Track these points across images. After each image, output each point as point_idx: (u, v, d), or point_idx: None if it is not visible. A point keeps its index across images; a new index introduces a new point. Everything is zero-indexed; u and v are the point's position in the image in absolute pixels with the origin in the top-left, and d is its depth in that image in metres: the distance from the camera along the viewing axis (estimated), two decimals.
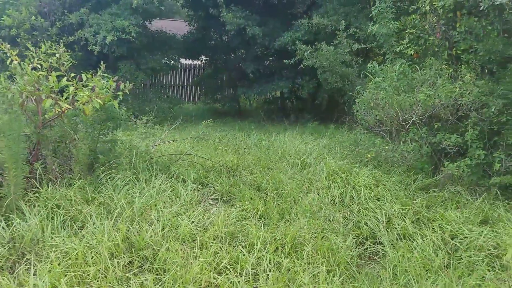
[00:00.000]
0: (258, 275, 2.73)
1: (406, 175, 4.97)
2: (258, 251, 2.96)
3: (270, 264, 2.82)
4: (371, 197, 4.30)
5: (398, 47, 5.98)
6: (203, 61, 13.46)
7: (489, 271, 2.91)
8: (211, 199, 4.45)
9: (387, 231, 3.63)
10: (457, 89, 4.55)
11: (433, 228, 3.54)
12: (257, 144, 7.53)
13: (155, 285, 2.39)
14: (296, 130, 8.96)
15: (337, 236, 3.48)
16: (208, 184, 4.78)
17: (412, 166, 5.25)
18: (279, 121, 10.81)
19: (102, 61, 4.34)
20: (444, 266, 3.05)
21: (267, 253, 2.90)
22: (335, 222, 3.79)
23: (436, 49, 6.14)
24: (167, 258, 2.64)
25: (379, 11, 6.10)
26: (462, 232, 3.42)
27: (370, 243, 3.50)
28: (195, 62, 14.71)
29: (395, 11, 6.26)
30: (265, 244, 3.07)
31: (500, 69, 4.90)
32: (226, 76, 12.29)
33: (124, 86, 3.86)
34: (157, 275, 2.57)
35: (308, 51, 7.79)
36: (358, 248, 3.43)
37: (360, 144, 5.83)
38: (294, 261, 2.94)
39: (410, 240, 3.41)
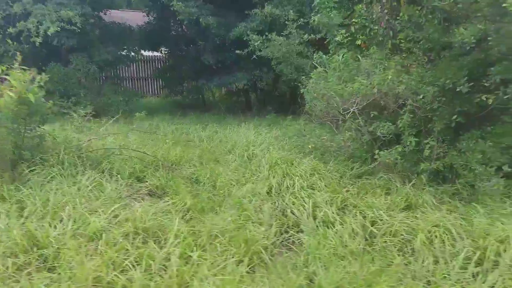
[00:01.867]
0: (166, 270, 2.68)
1: (344, 164, 5.01)
2: (171, 246, 2.91)
3: (180, 259, 2.78)
4: (305, 186, 4.31)
5: (338, 37, 5.99)
6: (164, 53, 13.23)
7: (399, 256, 2.95)
8: (145, 194, 4.37)
9: (313, 219, 3.64)
10: (389, 77, 4.58)
11: (355, 214, 3.57)
12: (211, 136, 7.47)
13: (45, 285, 2.31)
14: (254, 122, 8.93)
15: (261, 226, 3.47)
16: (143, 179, 4.69)
17: (352, 155, 5.29)
18: (240, 113, 10.75)
19: (50, 54, 4.22)
20: (359, 252, 3.08)
21: (177, 247, 2.86)
22: (263, 212, 3.77)
23: (380, 39, 6.19)
24: (66, 256, 2.56)
25: (321, 0, 6.09)
26: (382, 218, 3.47)
27: (294, 231, 3.50)
28: (158, 54, 14.47)
29: (337, 0, 6.26)
30: (181, 238, 3.02)
31: (437, 57, 4.98)
32: (187, 68, 12.11)
33: (41, 78, 3.72)
34: (54, 274, 2.49)
35: (259, 41, 7.72)
36: (281, 237, 3.43)
37: (304, 134, 5.84)
38: (207, 254, 2.91)
39: (331, 227, 3.43)
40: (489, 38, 4.04)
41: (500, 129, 4.10)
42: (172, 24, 11.83)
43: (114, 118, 5.88)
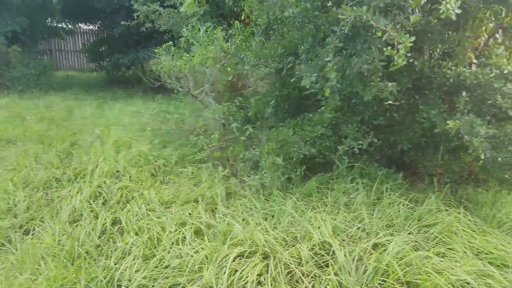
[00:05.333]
0: None
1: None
2: None
3: None
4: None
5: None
6: (93, 26, 12.51)
7: None
8: None
9: None
10: (209, 55, 4.10)
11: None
12: (94, 114, 6.95)
13: None
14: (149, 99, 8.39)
15: None
16: None
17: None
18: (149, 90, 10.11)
19: None
20: None
21: None
22: None
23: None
24: None
25: None
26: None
27: None
28: (90, 27, 13.73)
29: None
30: None
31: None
32: (110, 42, 11.45)
33: None
34: None
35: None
36: None
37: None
38: None
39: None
40: None
41: (319, 116, 3.64)
42: None
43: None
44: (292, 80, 3.52)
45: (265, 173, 3.28)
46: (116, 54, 10.43)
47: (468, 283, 2.11)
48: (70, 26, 12.18)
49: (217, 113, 4.23)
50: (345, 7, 2.21)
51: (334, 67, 2.41)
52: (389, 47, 2.17)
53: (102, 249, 2.74)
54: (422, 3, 2.00)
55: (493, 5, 3.29)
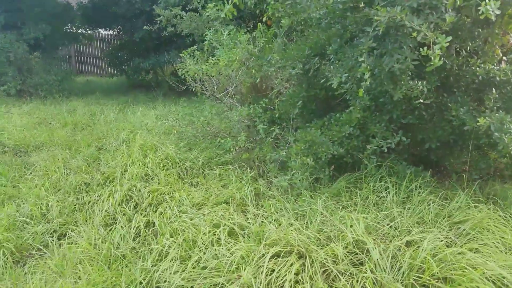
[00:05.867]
0: None
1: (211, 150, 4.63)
2: None
3: None
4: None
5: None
6: (113, 32, 12.72)
7: None
8: None
9: None
10: (235, 58, 4.14)
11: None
12: (118, 118, 7.08)
13: None
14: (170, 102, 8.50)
15: None
16: None
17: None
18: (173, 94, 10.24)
19: None
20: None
21: None
22: None
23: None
24: None
25: None
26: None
27: None
28: (110, 32, 13.95)
29: None
30: None
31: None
32: (130, 47, 11.62)
33: None
34: None
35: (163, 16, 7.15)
36: None
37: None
38: None
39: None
40: None
41: (347, 116, 3.64)
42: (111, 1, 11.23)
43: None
44: (322, 81, 3.53)
45: (294, 173, 3.31)
46: (136, 58, 10.58)
47: (504, 277, 2.10)
48: (89, 32, 12.40)
49: (242, 115, 4.27)
50: (379, 8, 2.22)
51: (368, 67, 2.43)
52: (425, 47, 2.18)
53: (138, 251, 2.81)
54: (458, 4, 2.00)
55: None
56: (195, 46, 5.27)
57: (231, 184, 3.69)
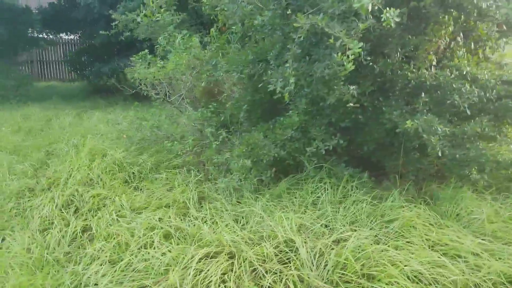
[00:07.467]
0: None
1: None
2: None
3: None
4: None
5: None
6: (74, 36, 12.49)
7: None
8: None
9: None
10: (183, 62, 4.17)
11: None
12: (72, 123, 6.93)
13: None
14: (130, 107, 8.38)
15: None
16: None
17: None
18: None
19: None
20: None
21: None
22: None
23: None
24: None
25: None
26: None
27: None
28: (71, 37, 13.70)
29: None
30: None
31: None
32: (91, 51, 11.43)
33: None
34: None
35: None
36: None
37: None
38: None
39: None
40: None
41: (289, 120, 3.72)
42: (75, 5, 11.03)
43: None
44: (260, 85, 3.60)
45: (233, 175, 3.35)
46: (97, 63, 10.41)
47: (421, 273, 2.20)
48: (51, 37, 12.13)
49: (191, 118, 4.29)
50: (299, 16, 2.31)
51: (293, 72, 2.50)
52: (339, 53, 2.27)
53: (71, 256, 2.77)
54: (370, 9, 2.10)
55: (451, 10, 3.44)
56: (146, 51, 5.25)
57: (176, 187, 3.69)
